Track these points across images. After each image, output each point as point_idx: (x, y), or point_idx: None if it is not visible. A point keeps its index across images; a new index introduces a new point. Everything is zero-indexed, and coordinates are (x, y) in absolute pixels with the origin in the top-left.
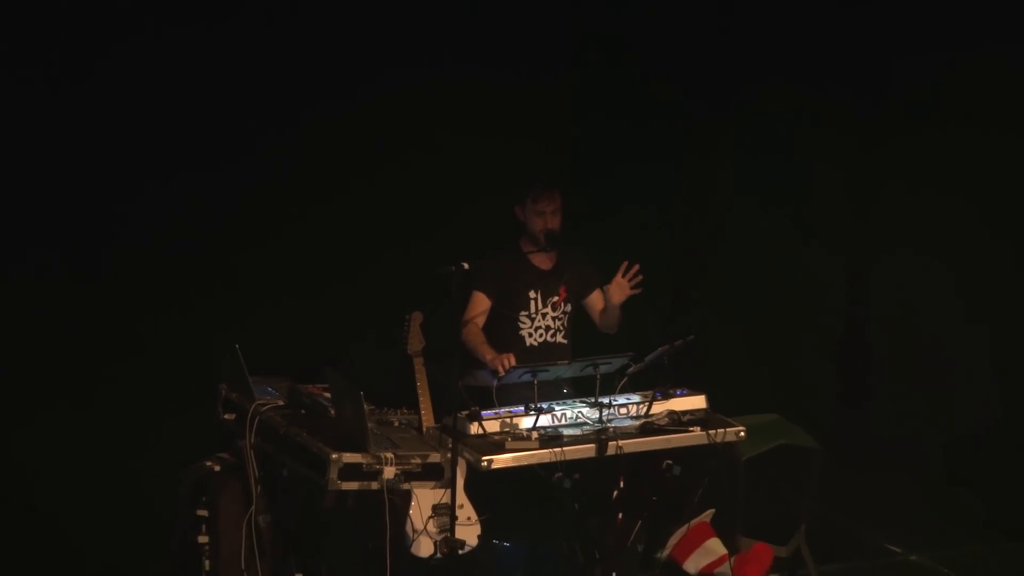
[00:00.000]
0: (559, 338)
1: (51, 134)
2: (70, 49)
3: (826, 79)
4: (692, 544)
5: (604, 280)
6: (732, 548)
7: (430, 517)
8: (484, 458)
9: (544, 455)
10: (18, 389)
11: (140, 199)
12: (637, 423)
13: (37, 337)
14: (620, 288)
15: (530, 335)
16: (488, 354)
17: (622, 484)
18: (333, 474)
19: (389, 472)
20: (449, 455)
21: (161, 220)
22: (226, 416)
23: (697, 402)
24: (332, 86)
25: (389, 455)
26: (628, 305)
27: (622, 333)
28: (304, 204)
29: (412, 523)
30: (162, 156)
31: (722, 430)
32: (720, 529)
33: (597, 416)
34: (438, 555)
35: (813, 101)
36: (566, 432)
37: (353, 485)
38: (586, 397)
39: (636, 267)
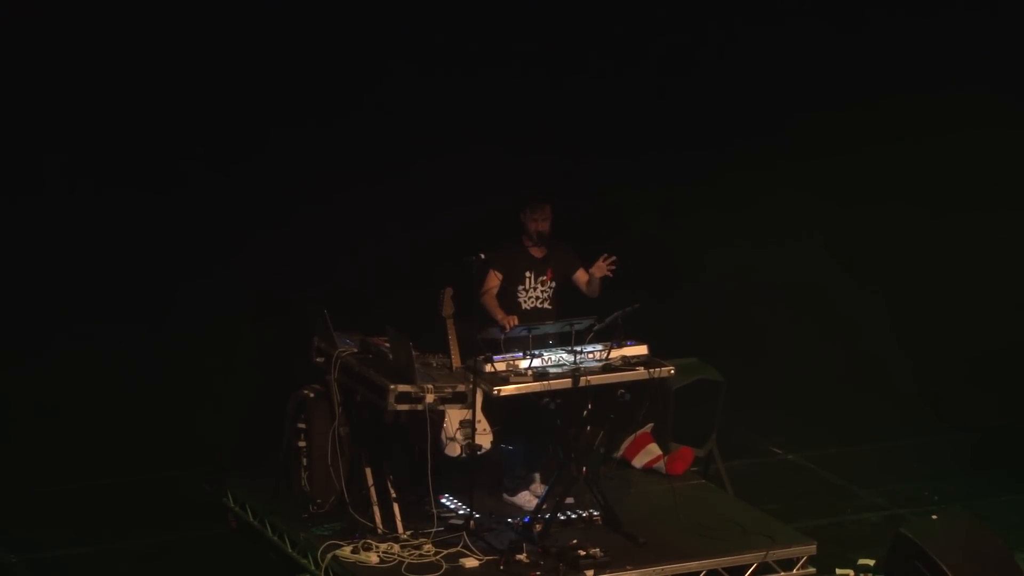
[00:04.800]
0: (546, 305)
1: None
2: None
3: None
4: (638, 447)
5: (585, 263)
6: (665, 449)
7: (457, 429)
8: (495, 388)
9: (536, 386)
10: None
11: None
12: (600, 364)
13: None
14: (599, 268)
15: (525, 302)
16: (499, 315)
17: (590, 406)
18: (391, 399)
19: (430, 398)
20: (471, 386)
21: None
22: (318, 359)
23: (641, 350)
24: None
25: (429, 386)
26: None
27: (590, 303)
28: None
29: (445, 433)
30: None
31: (658, 369)
32: (657, 436)
33: (573, 359)
34: (463, 455)
35: None
36: (551, 370)
37: (404, 406)
38: (565, 346)
39: (613, 257)
